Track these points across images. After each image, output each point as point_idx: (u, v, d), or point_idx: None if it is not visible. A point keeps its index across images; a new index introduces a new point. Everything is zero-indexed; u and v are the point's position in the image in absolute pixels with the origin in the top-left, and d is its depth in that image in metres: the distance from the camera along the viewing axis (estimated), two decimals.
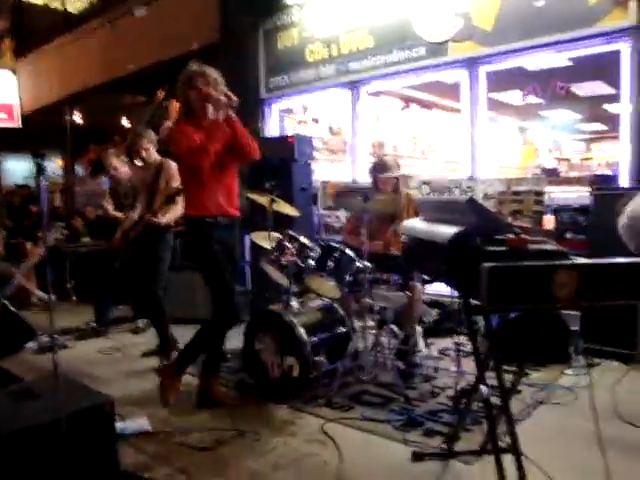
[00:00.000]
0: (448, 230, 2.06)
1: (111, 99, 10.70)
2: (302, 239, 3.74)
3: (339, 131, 7.85)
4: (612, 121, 10.90)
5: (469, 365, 4.03)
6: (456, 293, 2.68)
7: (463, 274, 1.97)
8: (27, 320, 5.13)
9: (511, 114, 10.46)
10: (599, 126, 11.77)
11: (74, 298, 7.01)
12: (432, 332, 4.64)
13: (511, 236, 1.92)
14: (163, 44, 7.86)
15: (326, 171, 6.67)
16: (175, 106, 9.67)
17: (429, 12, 5.23)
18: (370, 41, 5.65)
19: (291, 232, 3.80)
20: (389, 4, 5.49)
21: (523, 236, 1.90)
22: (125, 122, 11.51)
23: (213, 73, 3.31)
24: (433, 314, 4.99)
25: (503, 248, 1.89)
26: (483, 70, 5.11)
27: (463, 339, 4.69)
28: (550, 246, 1.92)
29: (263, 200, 3.98)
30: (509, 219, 4.39)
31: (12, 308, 5.55)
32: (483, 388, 2.35)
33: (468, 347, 4.48)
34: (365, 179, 5.99)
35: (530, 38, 4.71)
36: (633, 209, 2.80)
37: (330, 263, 3.59)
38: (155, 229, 4.25)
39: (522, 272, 1.82)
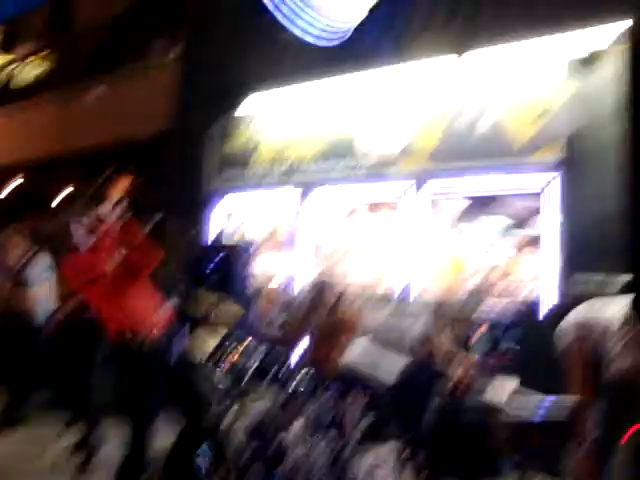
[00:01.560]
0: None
1: (56, 172, 10.55)
2: (246, 343, 3.76)
3: (277, 232, 7.82)
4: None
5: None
6: None
7: None
8: None
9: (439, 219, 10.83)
10: (530, 232, 12.32)
11: None
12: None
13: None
14: (119, 126, 7.96)
15: (263, 271, 6.67)
16: (117, 186, 9.63)
17: (375, 128, 5.64)
18: (317, 150, 6.01)
19: (237, 332, 3.82)
20: (338, 116, 5.92)
21: None
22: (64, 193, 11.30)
23: None
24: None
25: None
26: (425, 186, 5.41)
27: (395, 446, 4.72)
28: None
29: (212, 299, 4.01)
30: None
31: None
32: None
33: (403, 455, 4.49)
34: (303, 281, 6.07)
35: (470, 161, 5.12)
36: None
37: (271, 369, 3.63)
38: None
39: None
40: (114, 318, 3.21)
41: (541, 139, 4.81)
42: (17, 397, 5.05)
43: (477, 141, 5.12)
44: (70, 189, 9.56)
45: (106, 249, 3.18)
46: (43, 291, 5.09)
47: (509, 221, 10.84)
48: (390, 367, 2.19)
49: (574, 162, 4.66)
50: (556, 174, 4.81)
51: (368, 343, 2.65)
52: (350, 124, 5.83)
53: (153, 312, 3.32)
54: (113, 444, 4.25)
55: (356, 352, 2.60)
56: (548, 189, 4.93)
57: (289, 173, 6.21)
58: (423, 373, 2.07)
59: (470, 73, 5.16)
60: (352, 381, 2.51)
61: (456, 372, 2.11)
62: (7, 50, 11.69)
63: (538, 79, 4.87)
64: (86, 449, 4.14)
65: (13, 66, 11.66)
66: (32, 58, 11.42)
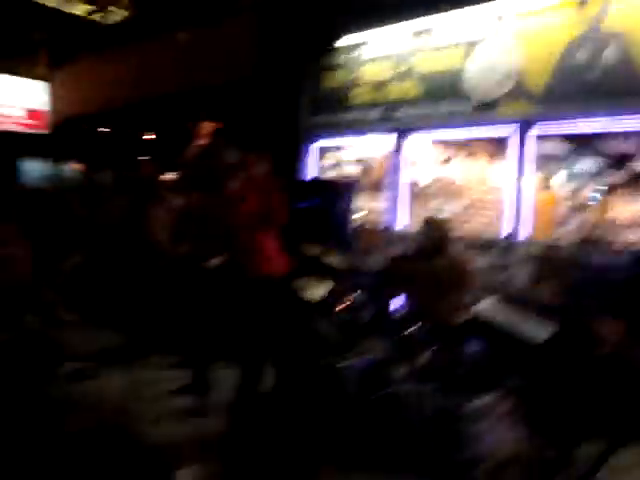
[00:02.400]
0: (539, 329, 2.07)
1: (139, 116, 10.82)
2: (356, 294, 3.76)
3: (372, 172, 7.86)
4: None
5: (506, 431, 4.02)
6: None
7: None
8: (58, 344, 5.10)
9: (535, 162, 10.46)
10: (621, 177, 11.77)
11: (101, 320, 6.97)
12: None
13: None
14: (203, 71, 7.96)
15: (361, 211, 6.66)
16: (202, 130, 9.76)
17: (480, 70, 5.29)
18: (418, 91, 5.72)
19: (343, 283, 3.82)
20: (440, 56, 5.56)
21: None
22: (148, 138, 11.63)
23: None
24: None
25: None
26: (531, 130, 5.15)
27: (493, 399, 4.69)
28: None
29: (314, 251, 4.00)
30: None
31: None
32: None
33: (501, 408, 4.47)
34: (403, 223, 6.06)
35: (581, 104, 4.75)
36: None
37: (382, 321, 3.61)
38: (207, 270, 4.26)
39: None
40: (254, 258, 3.41)
41: None
42: (134, 340, 5.26)
43: (592, 82, 4.71)
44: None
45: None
46: None
47: (608, 161, 10.34)
48: (533, 327, 2.07)
49: None
50: None
51: (498, 301, 2.54)
52: (451, 65, 5.49)
53: (280, 255, 3.53)
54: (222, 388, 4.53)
55: (490, 307, 2.50)
56: None
57: (387, 115, 5.98)
58: (571, 337, 1.94)
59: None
60: (485, 334, 2.42)
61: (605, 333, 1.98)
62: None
63: None
64: (196, 392, 4.30)
65: (95, 16, 11.82)
66: (113, 7, 11.54)
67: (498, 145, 7.07)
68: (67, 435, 3.04)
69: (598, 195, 12.15)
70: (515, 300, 2.37)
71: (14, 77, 12.14)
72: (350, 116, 6.29)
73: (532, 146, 5.26)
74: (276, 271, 3.47)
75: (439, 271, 3.70)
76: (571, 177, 11.74)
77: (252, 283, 3.40)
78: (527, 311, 2.24)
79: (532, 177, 5.40)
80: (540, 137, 5.50)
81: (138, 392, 4.57)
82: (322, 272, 3.92)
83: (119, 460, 2.40)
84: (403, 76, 5.86)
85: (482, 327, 2.52)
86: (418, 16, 5.47)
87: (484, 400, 4.52)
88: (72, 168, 16.62)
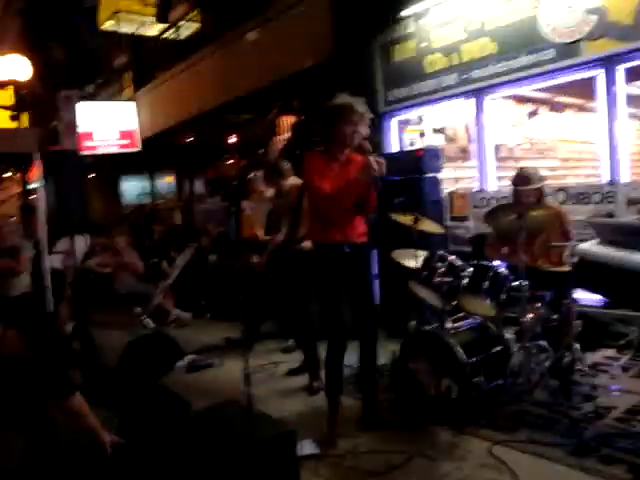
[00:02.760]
0: None
1: (222, 119, 11.21)
2: (452, 258, 3.73)
3: (456, 138, 7.75)
4: None
5: (630, 382, 3.87)
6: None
7: None
8: (176, 340, 5.43)
9: (629, 104, 9.81)
10: None
11: (207, 315, 7.37)
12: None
13: None
14: (276, 64, 8.11)
15: (446, 180, 6.57)
16: (285, 123, 9.99)
17: (558, 10, 5.02)
18: (493, 47, 5.52)
19: (440, 251, 3.80)
20: (511, 6, 5.34)
21: None
22: (233, 139, 12.03)
23: (362, 108, 3.40)
24: (577, 326, 4.80)
25: None
26: (622, 68, 4.84)
27: (613, 353, 4.52)
28: None
29: (406, 219, 4.00)
30: None
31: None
32: None
33: (621, 362, 4.31)
34: (492, 187, 5.91)
35: None
36: None
37: (484, 282, 3.56)
38: (301, 253, 4.39)
39: None
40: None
41: None
42: (249, 327, 5.37)
43: None
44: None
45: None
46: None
47: None
48: None
49: None
50: None
51: (601, 242, 2.44)
52: (525, 13, 5.26)
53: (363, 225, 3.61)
54: None
55: (594, 247, 2.41)
56: None
57: (464, 78, 5.83)
58: None
59: None
60: (593, 274, 2.34)
61: None
62: (163, 19, 12.42)
63: None
64: (308, 372, 4.44)
65: (170, 32, 12.41)
66: (185, 19, 12.06)
67: (584, 93, 6.71)
68: (193, 416, 3.26)
69: None
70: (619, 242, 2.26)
71: (105, 102, 13.00)
72: (427, 85, 6.18)
73: (622, 86, 4.93)
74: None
75: (539, 221, 3.59)
76: None
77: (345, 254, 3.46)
78: (631, 247, 2.14)
79: (627, 121, 5.06)
80: (631, 74, 5.17)
81: (254, 377, 4.81)
82: (416, 239, 3.90)
83: (245, 433, 2.52)
84: (475, 35, 5.68)
85: (589, 267, 2.42)
86: None
87: (605, 353, 4.42)
88: (165, 180, 17.52)
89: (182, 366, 5.19)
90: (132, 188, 17.99)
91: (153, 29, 13.59)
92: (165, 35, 12.48)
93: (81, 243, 7.17)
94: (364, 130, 3.41)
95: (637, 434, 3.06)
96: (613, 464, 2.81)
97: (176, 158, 13.12)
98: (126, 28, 14.16)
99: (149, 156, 13.20)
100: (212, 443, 2.59)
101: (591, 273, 2.44)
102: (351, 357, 3.69)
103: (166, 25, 12.45)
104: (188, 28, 12.10)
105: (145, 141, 12.64)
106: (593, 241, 2.51)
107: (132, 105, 12.60)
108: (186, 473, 2.43)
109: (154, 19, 12.91)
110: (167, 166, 14.74)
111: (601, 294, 2.48)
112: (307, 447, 3.22)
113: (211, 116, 10.57)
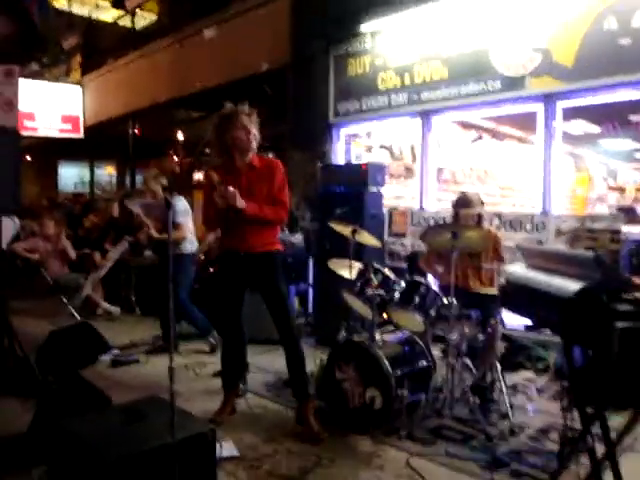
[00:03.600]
0: (570, 284, 2.09)
1: (171, 114, 11.04)
2: (387, 271, 3.81)
3: (401, 156, 7.92)
4: None
5: (544, 404, 4.05)
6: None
7: (587, 329, 2.01)
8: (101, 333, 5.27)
9: (566, 141, 10.34)
10: None
11: (138, 311, 7.19)
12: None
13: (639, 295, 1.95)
14: (232, 64, 8.09)
15: (388, 196, 6.71)
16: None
17: (507, 45, 5.26)
18: (444, 71, 5.71)
19: (375, 264, 3.86)
20: (465, 36, 5.54)
21: None
22: (180, 136, 11.86)
23: (247, 109, 3.47)
24: (501, 348, 4.99)
25: (632, 307, 1.91)
26: (560, 105, 5.11)
27: (532, 375, 4.73)
28: None
29: (346, 230, 4.05)
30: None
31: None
32: (589, 437, 2.40)
33: (538, 384, 4.51)
34: (432, 207, 6.08)
35: (612, 76, 4.68)
36: None
37: (416, 297, 3.64)
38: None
39: None
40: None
41: None
42: (167, 327, 5.35)
43: (622, 51, 4.64)
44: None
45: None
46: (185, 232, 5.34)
47: (636, 145, 10.17)
48: (565, 285, 2.09)
49: None
50: None
51: (525, 268, 2.56)
52: (477, 44, 5.47)
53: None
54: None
55: (520, 270, 2.52)
56: None
57: (412, 98, 5.99)
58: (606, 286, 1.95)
59: None
60: (517, 297, 2.44)
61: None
62: (119, 5, 12.15)
63: None
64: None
65: (125, 20, 12.13)
66: (142, 9, 11.83)
67: (526, 126, 7.02)
68: (112, 410, 3.17)
69: (635, 173, 11.88)
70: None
71: (50, 83, 12.52)
72: (377, 101, 6.31)
73: (560, 123, 5.20)
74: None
75: (474, 242, 3.71)
76: (606, 157, 11.56)
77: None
78: (555, 273, 2.25)
79: (562, 156, 5.34)
80: (569, 113, 5.47)
81: (180, 375, 4.74)
82: (354, 251, 3.96)
83: (164, 429, 2.47)
84: (428, 58, 5.85)
85: (514, 288, 2.53)
86: None
87: (525, 375, 4.62)
88: (106, 171, 17.01)
89: (106, 360, 5.05)
90: (70, 175, 17.40)
91: (108, 14, 13.26)
92: (120, 22, 12.19)
93: (9, 225, 6.85)
94: (254, 131, 3.45)
95: (546, 452, 3.20)
96: (521, 478, 2.93)
97: (119, 149, 12.77)
98: (79, 9, 13.74)
99: (91, 144, 12.80)
100: (129, 438, 2.52)
101: (515, 294, 2.54)
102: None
103: (122, 12, 12.17)
104: (145, 18, 11.88)
105: (88, 128, 12.26)
106: (520, 264, 2.62)
107: (78, 89, 12.21)
108: (101, 467, 2.36)
109: (109, 4, 12.59)
110: (109, 156, 14.34)
111: (522, 314, 2.58)
112: (227, 449, 3.19)
113: (160, 109, 10.39)
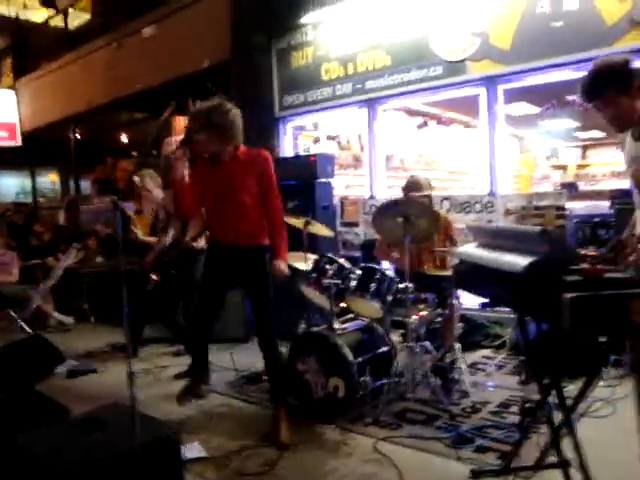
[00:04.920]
0: (519, 259, 2.14)
1: (113, 116, 10.76)
2: (341, 261, 3.82)
3: (348, 146, 7.96)
4: (610, 128, 11.09)
5: (503, 379, 4.16)
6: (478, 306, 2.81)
7: (538, 302, 2.06)
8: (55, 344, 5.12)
9: (509, 123, 10.63)
10: (596, 133, 11.98)
11: (92, 319, 7.01)
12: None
13: (586, 266, 2.01)
14: (173, 62, 7.93)
15: (338, 186, 6.74)
16: (179, 122, 9.76)
17: (446, 31, 5.35)
18: (387, 59, 5.77)
19: (329, 254, 3.87)
20: (406, 23, 5.61)
21: (599, 266, 1.99)
22: (124, 138, 11.59)
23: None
24: (459, 328, 5.09)
25: (580, 278, 1.98)
26: (501, 88, 5.24)
27: (490, 353, 4.86)
28: (623, 274, 2.02)
29: (298, 223, 4.05)
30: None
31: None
32: (547, 406, 2.48)
33: (496, 361, 4.63)
34: (382, 194, 6.13)
35: (548, 58, 4.84)
36: None
37: (372, 284, 3.67)
38: (191, 253, 4.31)
39: (601, 301, 1.91)
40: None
41: (628, 23, 4.44)
42: (133, 332, 5.22)
43: (555, 34, 4.78)
44: None
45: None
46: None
47: (575, 123, 10.54)
48: (514, 260, 2.14)
49: None
50: None
51: (476, 247, 2.61)
52: (417, 31, 5.54)
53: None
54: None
55: (471, 250, 2.57)
56: None
57: (357, 88, 6.02)
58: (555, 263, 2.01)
59: None
60: (471, 275, 2.49)
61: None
62: (49, 4, 11.72)
63: None
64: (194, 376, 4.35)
65: (57, 19, 11.72)
66: (75, 8, 11.45)
67: (470, 110, 7.17)
68: (70, 421, 3.08)
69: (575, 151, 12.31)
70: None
71: None
72: (322, 92, 6.32)
73: (502, 106, 5.33)
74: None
75: (425, 226, 3.75)
76: (547, 137, 11.92)
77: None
78: (504, 250, 2.31)
79: (506, 138, 5.48)
80: (510, 96, 5.61)
81: (139, 380, 4.64)
82: (307, 242, 3.96)
83: (126, 435, 2.42)
84: (371, 47, 5.89)
85: (467, 268, 2.58)
86: None
87: (483, 353, 4.74)
88: (49, 178, 16.46)
89: (62, 372, 4.91)
90: (10, 185, 16.75)
91: (38, 14, 12.77)
92: (52, 22, 11.76)
93: None
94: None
95: (508, 425, 3.28)
96: (486, 452, 3.00)
97: (61, 155, 12.36)
98: (5, 9, 13.16)
99: (30, 151, 12.34)
100: (88, 447, 2.45)
101: (468, 273, 2.60)
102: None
103: (53, 12, 11.75)
104: (78, 17, 11.49)
105: (26, 135, 11.82)
106: (471, 244, 2.67)
107: (11, 94, 11.74)
108: (57, 476, 2.28)
109: (38, 3, 12.13)
110: (50, 163, 13.86)
111: (477, 293, 2.64)
112: (194, 450, 3.15)
113: (101, 112, 10.11)
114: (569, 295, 1.89)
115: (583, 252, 2.21)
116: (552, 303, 1.95)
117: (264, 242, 3.43)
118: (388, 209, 3.74)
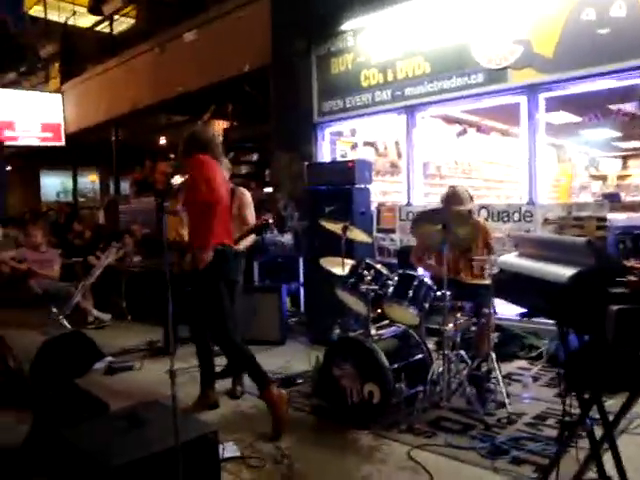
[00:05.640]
0: (564, 270, 2.12)
1: (153, 119, 10.97)
2: (379, 267, 3.83)
3: (386, 152, 7.96)
4: None
5: (539, 391, 4.10)
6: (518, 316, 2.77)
7: (582, 314, 2.04)
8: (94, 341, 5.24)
9: (548, 132, 10.46)
10: (637, 143, 11.71)
11: (129, 317, 7.15)
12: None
13: (632, 278, 1.98)
14: (213, 66, 8.07)
15: (375, 193, 6.73)
16: (218, 127, 9.91)
17: (488, 38, 5.32)
18: (427, 67, 5.76)
19: (368, 260, 3.88)
20: (446, 30, 5.60)
21: None
22: (163, 141, 11.80)
23: None
24: (494, 338, 5.04)
25: (626, 290, 1.95)
26: (542, 97, 5.18)
27: (526, 364, 4.79)
28: None
29: (336, 227, 4.07)
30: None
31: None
32: (588, 421, 2.44)
33: (532, 372, 4.57)
34: (419, 201, 6.11)
35: (592, 66, 4.76)
36: None
37: (409, 291, 3.67)
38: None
39: None
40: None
41: None
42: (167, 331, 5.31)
43: (600, 42, 4.71)
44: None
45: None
46: None
47: (615, 133, 10.32)
48: (558, 271, 2.12)
49: None
50: None
51: (518, 256, 2.59)
52: (458, 38, 5.52)
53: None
54: None
55: (512, 259, 2.55)
56: None
57: (396, 94, 6.03)
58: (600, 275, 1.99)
59: None
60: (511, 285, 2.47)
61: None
62: (96, 11, 12.05)
63: None
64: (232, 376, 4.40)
65: (103, 25, 12.05)
66: (120, 14, 11.75)
67: (509, 119, 7.09)
68: (112, 415, 3.16)
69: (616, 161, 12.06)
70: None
71: (28, 92, 12.40)
72: (361, 99, 6.35)
73: (543, 114, 5.27)
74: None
75: (464, 234, 3.73)
76: (587, 146, 11.69)
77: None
78: (548, 260, 2.29)
79: (546, 147, 5.41)
80: (551, 104, 5.53)
81: (177, 379, 4.70)
82: (345, 248, 3.98)
83: (167, 433, 2.46)
84: (410, 54, 5.89)
85: (508, 277, 2.56)
86: None
87: (519, 364, 4.67)
88: (89, 179, 16.86)
89: (100, 368, 5.02)
90: (53, 184, 17.23)
91: (85, 20, 13.16)
92: (98, 28, 12.09)
93: None
94: None
95: (545, 438, 3.24)
96: (522, 465, 2.97)
97: (102, 156, 12.68)
98: (55, 16, 13.61)
99: (73, 152, 12.69)
100: (131, 444, 2.52)
101: (509, 283, 2.57)
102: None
103: (99, 17, 12.08)
104: (122, 23, 11.80)
105: (70, 136, 12.16)
106: (513, 253, 2.65)
107: (58, 97, 12.11)
108: (104, 475, 2.35)
109: (86, 10, 12.50)
110: (91, 164, 14.22)
111: (517, 303, 2.61)
112: (229, 450, 3.19)
113: (142, 115, 10.33)
114: (615, 307, 1.87)
115: (629, 264, 2.18)
116: (596, 315, 1.92)
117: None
118: (427, 216, 3.74)
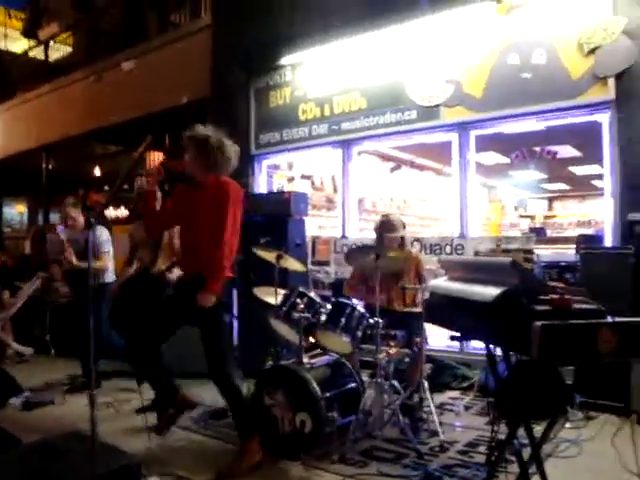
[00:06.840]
0: (490, 290, 2.16)
1: (88, 148, 10.70)
2: (312, 294, 3.81)
3: (322, 187, 8.05)
4: (575, 181, 11.51)
5: (471, 419, 4.14)
6: (450, 347, 2.81)
7: (508, 331, 2.08)
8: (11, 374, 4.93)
9: (480, 172, 10.92)
10: (562, 186, 12.38)
11: (52, 351, 6.79)
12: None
13: (555, 296, 2.04)
14: (151, 97, 7.99)
15: (310, 227, 6.76)
16: (154, 158, 9.75)
17: (421, 77, 5.53)
18: (363, 102, 5.92)
19: (300, 288, 3.85)
20: (382, 68, 5.79)
21: (567, 296, 2.03)
22: (97, 171, 11.48)
23: None
24: (427, 369, 5.07)
25: (549, 307, 2.01)
26: (473, 134, 5.40)
27: (457, 394, 4.84)
28: (590, 305, 2.06)
29: (270, 256, 4.03)
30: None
31: None
32: (515, 442, 2.47)
33: (464, 402, 4.61)
34: (354, 235, 6.18)
35: (517, 106, 5.04)
36: None
37: (342, 319, 3.65)
38: (160, 284, 4.25)
39: (570, 330, 1.94)
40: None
41: (591, 77, 4.67)
42: (87, 365, 5.09)
43: (524, 84, 4.99)
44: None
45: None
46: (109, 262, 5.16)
47: (542, 175, 10.89)
48: (485, 291, 2.17)
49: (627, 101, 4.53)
50: (607, 114, 4.70)
51: (447, 280, 2.64)
52: (393, 76, 5.72)
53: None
54: None
55: (442, 283, 2.59)
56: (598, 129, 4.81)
57: (332, 128, 6.14)
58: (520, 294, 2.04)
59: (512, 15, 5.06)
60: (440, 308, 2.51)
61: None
62: (31, 35, 11.78)
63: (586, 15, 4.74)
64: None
65: (37, 51, 11.77)
66: (56, 41, 11.52)
67: (442, 158, 7.36)
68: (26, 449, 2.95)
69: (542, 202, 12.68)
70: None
71: None
72: (298, 132, 6.42)
73: (474, 154, 5.50)
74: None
75: (396, 264, 3.78)
76: (516, 188, 12.26)
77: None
78: (475, 281, 2.34)
79: (478, 187, 5.64)
80: (482, 144, 5.79)
81: (100, 414, 4.46)
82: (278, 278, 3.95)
83: (86, 465, 2.32)
84: (347, 89, 6.04)
85: (438, 303, 2.60)
86: (359, 33, 5.72)
87: (451, 394, 4.71)
88: (16, 210, 16.13)
89: (17, 403, 4.70)
90: None
91: (18, 44, 12.81)
92: (31, 53, 11.79)
93: None
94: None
95: (475, 464, 3.25)
96: None
97: (31, 185, 12.19)
98: None
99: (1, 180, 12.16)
100: (45, 476, 2.34)
101: (439, 306, 2.62)
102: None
103: (34, 43, 11.79)
104: (58, 50, 11.56)
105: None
106: (442, 278, 2.70)
107: None
108: None
109: (19, 33, 12.19)
110: (19, 193, 13.65)
111: (447, 326, 2.65)
112: None
113: (76, 144, 10.05)
114: (539, 323, 1.92)
115: (552, 284, 2.26)
116: (522, 332, 1.97)
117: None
118: (362, 249, 3.78)
